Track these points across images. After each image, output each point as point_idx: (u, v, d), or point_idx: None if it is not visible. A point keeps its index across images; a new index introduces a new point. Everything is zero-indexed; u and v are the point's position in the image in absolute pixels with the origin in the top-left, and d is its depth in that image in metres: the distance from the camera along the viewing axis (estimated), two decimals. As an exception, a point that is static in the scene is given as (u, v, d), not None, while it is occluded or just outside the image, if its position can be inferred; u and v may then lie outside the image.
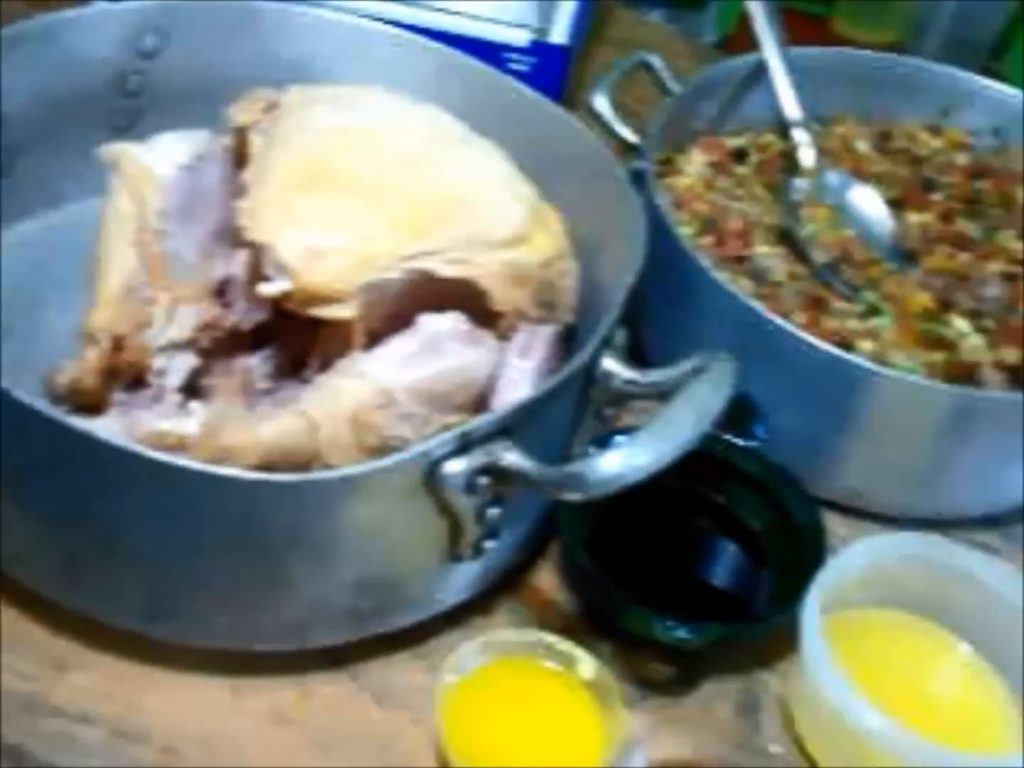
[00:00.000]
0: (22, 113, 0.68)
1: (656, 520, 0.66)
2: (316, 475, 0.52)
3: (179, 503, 0.51)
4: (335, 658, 0.59)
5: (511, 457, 0.53)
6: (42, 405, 0.50)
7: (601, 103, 0.76)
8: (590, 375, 0.58)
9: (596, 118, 0.76)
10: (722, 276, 0.70)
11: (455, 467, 0.52)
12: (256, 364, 0.65)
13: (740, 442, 0.66)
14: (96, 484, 0.51)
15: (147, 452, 0.49)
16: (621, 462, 0.50)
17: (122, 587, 0.55)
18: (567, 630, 0.61)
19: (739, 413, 0.66)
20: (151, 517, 0.52)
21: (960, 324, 0.71)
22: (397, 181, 0.62)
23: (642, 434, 0.51)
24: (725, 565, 0.66)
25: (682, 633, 0.58)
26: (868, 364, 0.65)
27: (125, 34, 0.70)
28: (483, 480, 0.53)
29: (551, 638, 0.59)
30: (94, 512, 0.52)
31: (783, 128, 0.80)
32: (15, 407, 0.49)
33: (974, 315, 0.71)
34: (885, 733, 0.55)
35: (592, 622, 0.63)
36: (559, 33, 0.85)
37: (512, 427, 0.54)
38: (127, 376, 0.61)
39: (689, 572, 0.65)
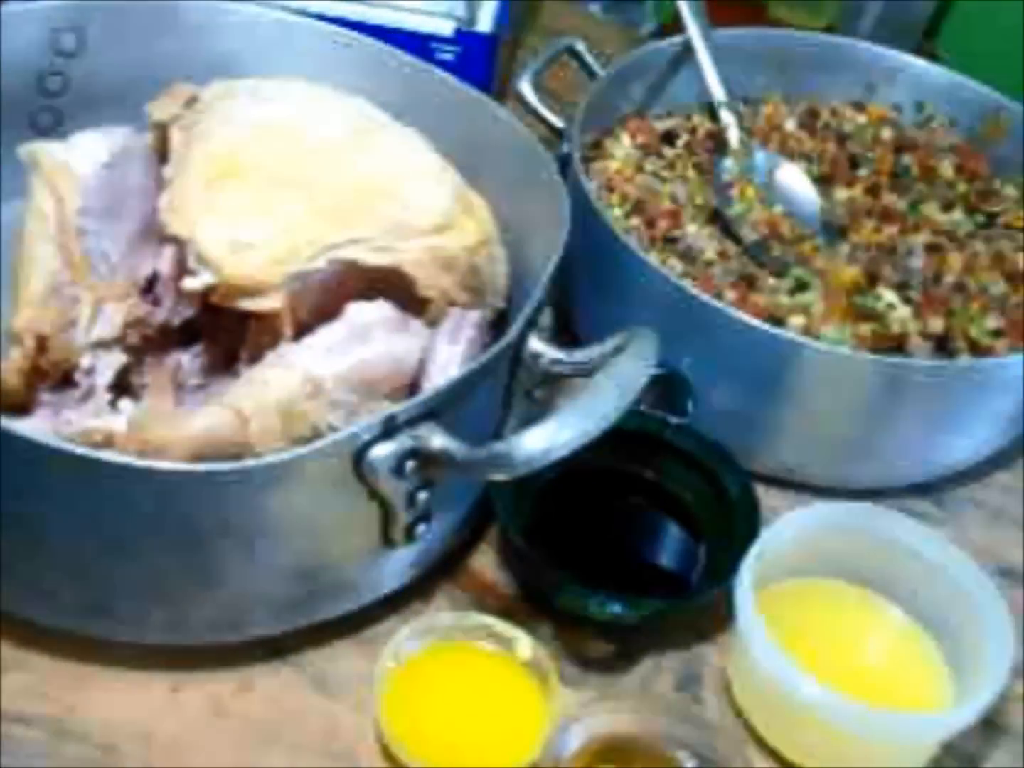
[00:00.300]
0: (-59, 116, 0.67)
1: (592, 500, 0.67)
2: (239, 464, 0.51)
3: (103, 498, 0.50)
4: (275, 648, 0.59)
5: (437, 440, 0.53)
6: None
7: (526, 89, 0.76)
8: (516, 356, 0.58)
9: (523, 104, 0.77)
10: (651, 256, 0.70)
11: (382, 451, 0.52)
12: (187, 360, 0.65)
13: (672, 419, 0.67)
14: (18, 482, 0.50)
15: (66, 447, 0.49)
16: (545, 439, 0.51)
17: (52, 586, 0.55)
18: (506, 612, 0.61)
19: (670, 390, 0.67)
20: (76, 514, 0.51)
21: (888, 296, 0.72)
22: (319, 171, 0.62)
23: (564, 411, 0.51)
24: (662, 542, 0.67)
25: (616, 608, 0.58)
26: (797, 338, 0.66)
27: (42, 34, 0.70)
28: (411, 464, 0.53)
29: (489, 620, 0.59)
30: (18, 511, 0.52)
31: (711, 109, 0.81)
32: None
33: (901, 287, 0.72)
34: (820, 700, 0.56)
35: (531, 603, 0.63)
36: (484, 22, 0.86)
37: (438, 410, 0.54)
38: (54, 376, 0.60)
39: (627, 550, 0.66)
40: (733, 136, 0.80)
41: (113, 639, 0.57)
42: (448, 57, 0.83)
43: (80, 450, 0.49)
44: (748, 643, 0.57)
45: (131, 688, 0.57)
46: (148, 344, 0.64)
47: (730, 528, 0.63)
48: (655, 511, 0.67)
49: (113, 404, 0.62)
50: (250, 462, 0.52)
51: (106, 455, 0.49)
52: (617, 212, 0.75)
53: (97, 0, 0.71)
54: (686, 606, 0.62)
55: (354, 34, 0.73)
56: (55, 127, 0.71)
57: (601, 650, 0.62)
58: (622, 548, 0.66)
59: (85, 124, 0.67)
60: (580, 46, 0.80)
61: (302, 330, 0.60)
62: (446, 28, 0.84)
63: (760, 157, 0.80)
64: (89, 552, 0.53)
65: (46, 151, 0.62)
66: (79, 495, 0.51)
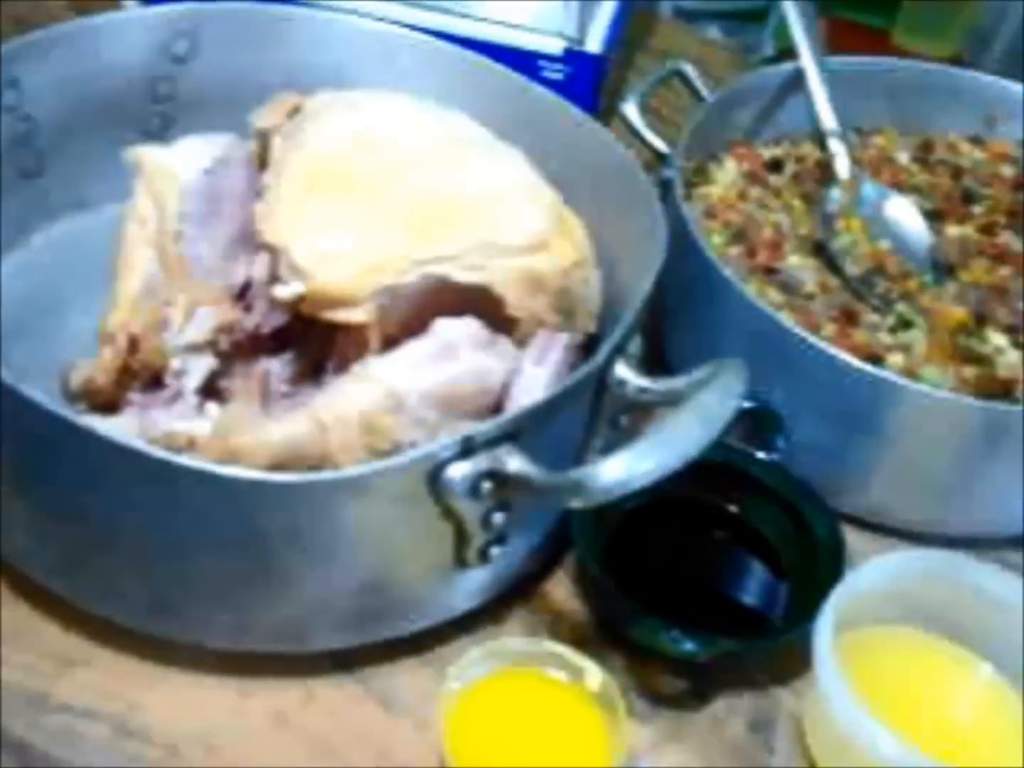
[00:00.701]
0: (52, 117, 0.69)
1: (674, 531, 0.65)
2: (315, 475, 0.51)
3: (178, 501, 0.51)
4: (341, 661, 0.59)
5: (515, 462, 0.52)
6: (42, 399, 0.50)
7: (631, 111, 0.75)
8: (602, 381, 0.57)
9: (628, 126, 0.76)
10: (749, 287, 0.69)
11: (458, 471, 0.52)
12: (275, 368, 0.65)
13: (761, 454, 0.65)
14: (96, 481, 0.51)
15: (147, 449, 0.49)
16: (624, 468, 0.49)
17: (123, 585, 0.55)
18: (579, 641, 0.60)
19: (760, 424, 0.65)
20: (151, 515, 0.52)
21: (997, 339, 0.69)
22: (415, 185, 0.61)
23: (646, 441, 0.50)
24: (743, 578, 0.65)
25: (689, 645, 0.57)
26: (896, 378, 0.64)
27: (156, 39, 0.71)
28: (487, 485, 0.52)
29: (559, 648, 0.58)
30: (95, 509, 0.53)
31: (820, 138, 0.79)
32: (18, 401, 0.50)
33: (1011, 330, 0.70)
34: (900, 757, 0.53)
35: (604, 633, 0.62)
36: (594, 42, 0.85)
37: (518, 432, 0.53)
38: (143, 377, 0.61)
39: (706, 585, 0.64)
40: (842, 166, 0.78)
41: (180, 641, 0.57)
42: (555, 76, 0.83)
43: (158, 453, 0.49)
44: (826, 691, 0.55)
45: (195, 691, 0.58)
46: (238, 350, 0.64)
47: (814, 569, 0.61)
48: (737, 547, 0.65)
49: (200, 407, 0.62)
50: (326, 474, 0.52)
51: (182, 460, 0.50)
52: (717, 239, 0.74)
53: (211, 6, 0.72)
54: (762, 647, 0.61)
55: (460, 49, 0.73)
56: (163, 131, 0.72)
57: (673, 686, 0.60)
58: (701, 582, 0.64)
59: (191, 129, 0.68)
60: (688, 69, 0.79)
61: (389, 343, 0.60)
62: (555, 47, 0.83)
63: (869, 189, 0.78)
64: (161, 553, 0.53)
65: (150, 155, 0.63)
66: (155, 496, 0.51)
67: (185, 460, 0.49)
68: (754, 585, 0.65)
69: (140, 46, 0.70)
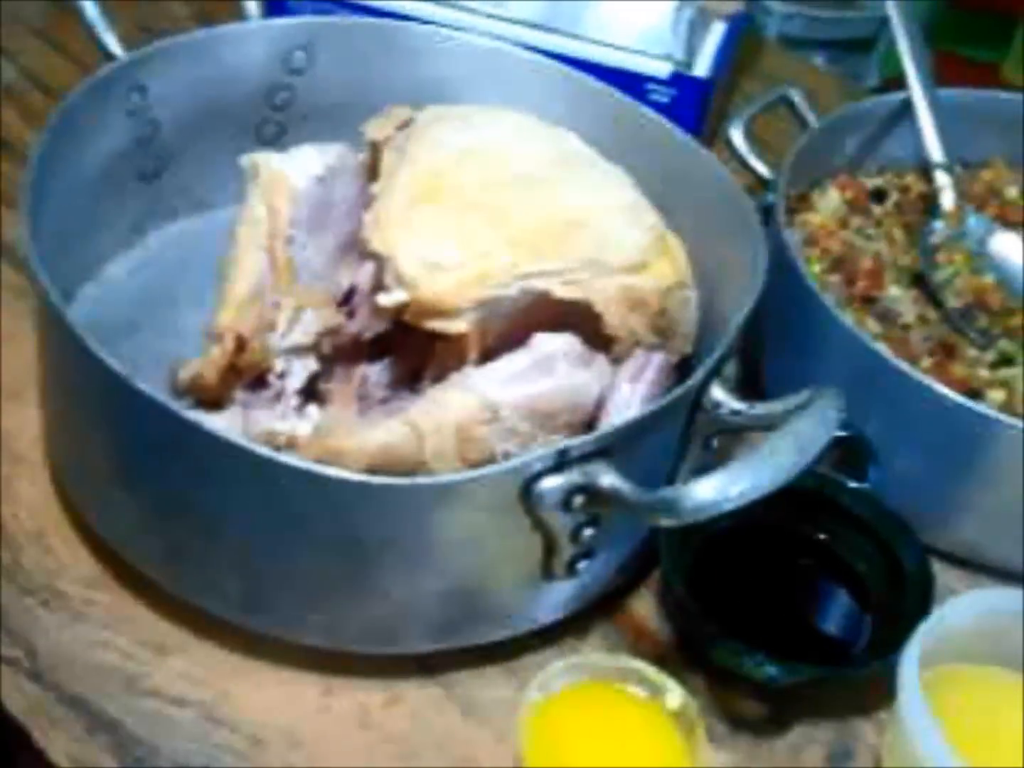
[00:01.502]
0: (175, 121, 0.71)
1: (761, 557, 0.65)
2: (412, 480, 0.52)
3: (279, 499, 0.52)
4: (426, 666, 0.60)
5: (608, 478, 0.53)
6: (155, 393, 0.52)
7: (737, 136, 0.75)
8: (697, 402, 0.58)
9: (731, 150, 0.76)
10: (847, 316, 0.69)
11: (551, 483, 0.52)
12: (373, 373, 0.67)
13: (851, 483, 0.65)
14: (202, 475, 0.53)
15: (251, 446, 0.51)
16: (717, 490, 0.50)
17: (221, 577, 0.57)
18: (660, 659, 0.60)
19: (851, 453, 0.65)
20: (252, 511, 0.53)
21: (1100, 380, 0.68)
22: (520, 200, 0.62)
23: (740, 463, 0.50)
24: (827, 608, 0.64)
25: (772, 671, 0.57)
26: (996, 414, 0.63)
27: (276, 51, 0.73)
28: (579, 499, 0.53)
29: (641, 665, 0.58)
30: (198, 503, 0.54)
31: (926, 170, 0.79)
32: (134, 396, 0.52)
33: (1115, 371, 0.68)
34: (980, 795, 0.53)
35: (686, 654, 0.62)
36: (702, 66, 0.85)
37: (612, 448, 0.54)
38: (249, 375, 0.63)
39: (790, 612, 0.64)
40: (947, 199, 0.77)
41: (272, 636, 0.58)
42: (662, 99, 0.83)
43: (261, 450, 0.51)
44: (908, 725, 0.55)
45: (283, 686, 0.59)
46: (339, 354, 0.66)
47: (901, 602, 0.61)
48: (823, 575, 0.65)
49: (300, 408, 0.64)
50: (422, 480, 0.53)
51: (287, 458, 0.51)
52: (816, 267, 0.74)
53: (329, 20, 0.74)
54: (845, 676, 0.60)
55: (569, 69, 0.74)
56: (277, 139, 0.74)
57: (752, 710, 0.61)
58: (784, 609, 0.64)
59: (304, 138, 0.70)
60: (795, 95, 0.79)
61: (487, 355, 0.61)
62: (663, 70, 0.84)
63: (974, 223, 0.77)
64: (258, 549, 0.55)
65: (265, 160, 0.65)
66: (256, 492, 0.52)
67: (289, 459, 0.51)
68: (838, 615, 0.64)
69: (260, 57, 0.72)
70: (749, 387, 0.69)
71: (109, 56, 0.68)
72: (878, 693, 0.60)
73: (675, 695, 0.57)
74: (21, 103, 0.87)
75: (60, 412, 0.62)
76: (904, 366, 0.64)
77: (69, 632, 0.60)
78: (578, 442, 0.53)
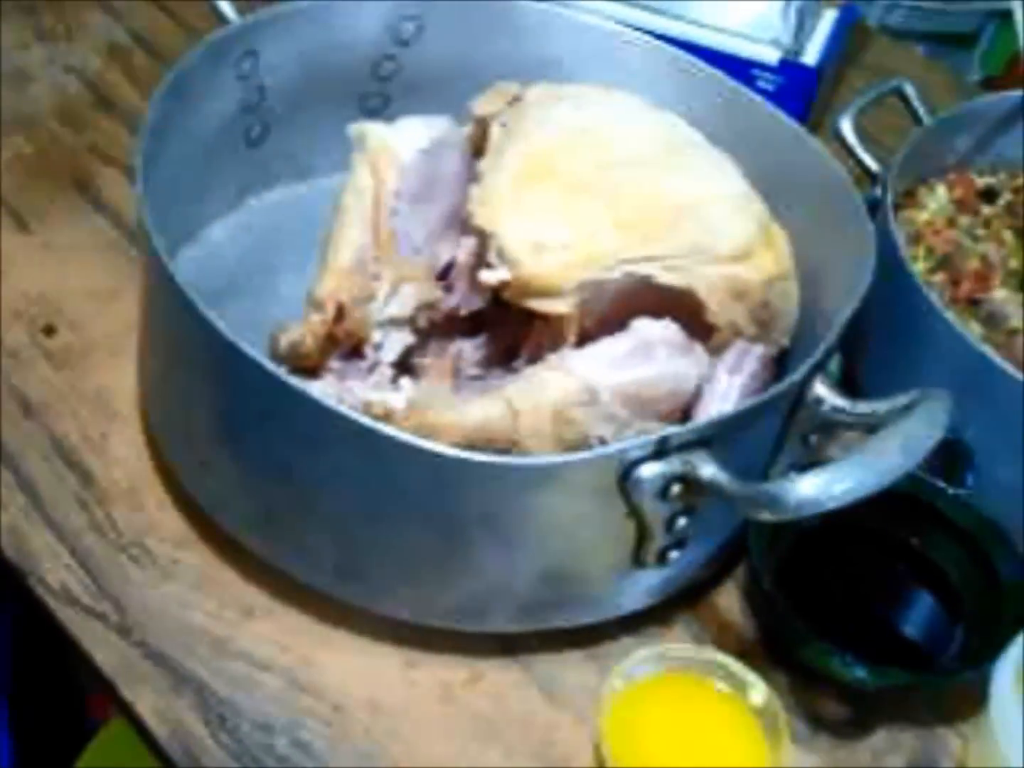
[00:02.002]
0: (282, 88, 0.71)
1: (851, 558, 0.64)
2: (514, 459, 0.52)
3: (379, 470, 0.52)
4: (508, 646, 0.60)
5: (708, 468, 0.52)
6: (261, 359, 0.52)
7: (847, 127, 0.74)
8: (799, 397, 0.57)
9: (840, 142, 0.75)
10: (953, 317, 0.67)
11: (650, 471, 0.52)
12: (468, 349, 0.67)
13: (949, 489, 0.64)
14: (303, 442, 0.53)
15: (356, 416, 0.51)
16: (820, 487, 0.49)
17: (315, 545, 0.57)
18: (743, 655, 0.59)
19: (951, 458, 0.63)
20: (351, 480, 0.53)
21: None
22: (628, 183, 0.62)
23: (845, 462, 0.49)
24: (917, 614, 0.63)
25: (860, 672, 0.56)
26: (1101, 425, 0.62)
27: (385, 21, 0.72)
28: (676, 488, 0.53)
29: (726, 659, 0.58)
30: (298, 469, 0.54)
31: (1039, 171, 0.77)
32: (239, 360, 0.52)
33: None
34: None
35: (770, 651, 0.61)
36: (811, 54, 0.84)
37: (712, 439, 0.53)
38: (346, 345, 0.63)
39: (878, 616, 0.63)
40: (1059, 202, 0.75)
41: (361, 606, 0.58)
42: (769, 86, 0.82)
43: (366, 420, 0.51)
44: (999, 737, 0.54)
45: (368, 656, 0.59)
46: (435, 328, 0.66)
47: (995, 612, 0.60)
48: (915, 581, 0.64)
49: (394, 380, 0.64)
50: (522, 459, 0.53)
51: (390, 430, 0.51)
52: (920, 266, 0.72)
53: (440, -6, 0.73)
54: (934, 683, 0.59)
55: (677, 51, 0.73)
56: (381, 110, 0.74)
57: (836, 713, 0.60)
58: (873, 613, 0.63)
59: (409, 110, 0.69)
60: (910, 89, 0.77)
61: (585, 338, 0.60)
62: (771, 56, 0.83)
63: (1087, 228, 0.75)
64: (354, 518, 0.55)
65: (373, 131, 0.65)
66: (356, 462, 0.53)
67: (392, 431, 0.51)
68: (928, 622, 0.63)
69: (370, 27, 0.72)
70: (846, 385, 0.67)
71: (223, 20, 0.68)
72: (964, 703, 0.59)
73: (759, 691, 0.57)
74: (126, 63, 0.88)
75: (161, 371, 0.62)
76: (1010, 369, 0.63)
77: (158, 590, 0.61)
78: (679, 431, 0.52)
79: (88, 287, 0.73)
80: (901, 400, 0.54)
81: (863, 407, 0.57)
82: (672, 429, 0.52)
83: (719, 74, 0.72)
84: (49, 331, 0.71)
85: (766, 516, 0.50)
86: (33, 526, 0.62)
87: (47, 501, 0.63)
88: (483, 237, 0.61)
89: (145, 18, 0.91)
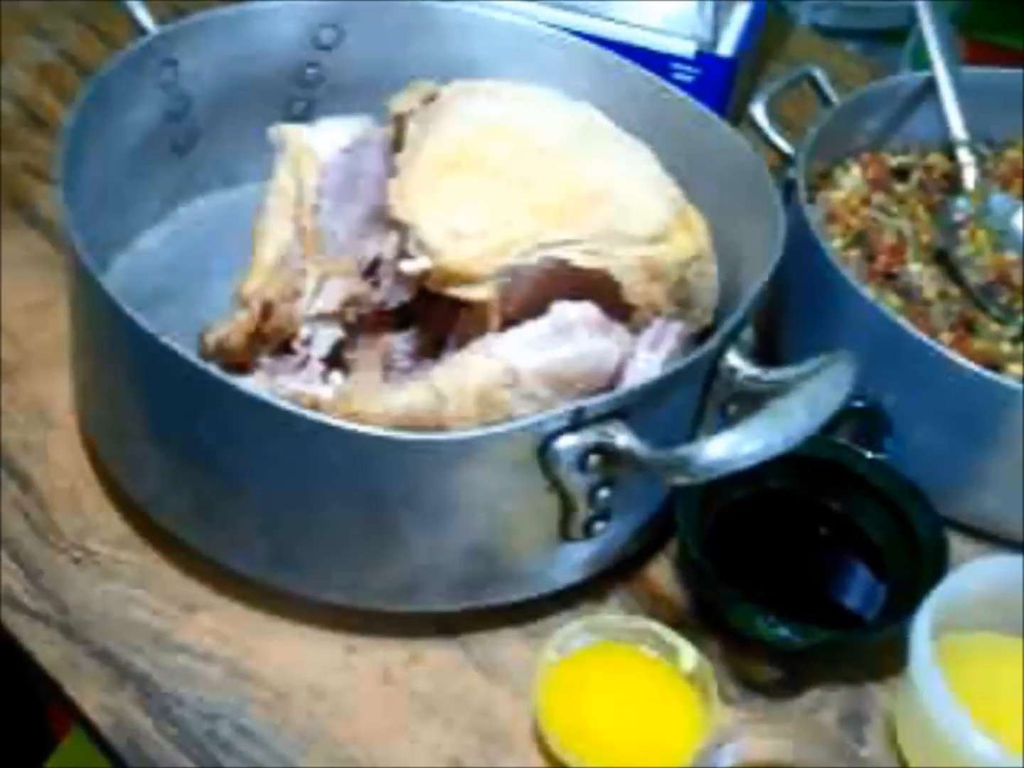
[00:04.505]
0: (206, 96, 0.72)
1: (777, 526, 0.66)
2: (434, 436, 0.54)
3: (304, 455, 0.53)
4: (446, 627, 0.61)
5: (623, 438, 0.54)
6: (186, 352, 0.53)
7: (759, 112, 0.76)
8: (713, 367, 0.59)
9: (755, 127, 0.77)
10: (867, 290, 0.69)
11: (567, 442, 0.54)
12: (398, 343, 0.68)
13: (868, 454, 0.66)
14: (229, 432, 0.54)
15: (279, 402, 0.52)
16: (729, 447, 0.51)
17: (246, 535, 0.58)
18: (677, 625, 0.61)
19: (869, 425, 0.65)
20: (277, 467, 0.55)
21: (1121, 353, 0.68)
22: (543, 171, 0.63)
23: (752, 422, 0.51)
24: (843, 576, 0.65)
25: (785, 632, 0.57)
26: (1016, 385, 0.64)
27: (306, 27, 0.74)
28: (594, 459, 0.54)
29: (656, 627, 0.59)
30: (225, 460, 0.56)
31: (949, 149, 0.79)
32: (161, 353, 0.53)
33: None
34: (993, 758, 0.54)
35: (703, 620, 0.63)
36: (725, 46, 0.86)
37: (628, 410, 0.55)
38: (274, 341, 0.64)
39: (806, 580, 0.65)
40: (969, 176, 0.77)
41: (295, 592, 0.60)
42: (686, 79, 0.84)
43: (288, 406, 0.52)
44: (920, 689, 0.56)
45: (308, 643, 0.60)
46: (363, 323, 0.67)
47: (916, 571, 0.62)
48: (840, 545, 0.66)
49: (324, 375, 0.65)
50: (440, 435, 0.54)
51: (311, 414, 0.52)
52: (837, 243, 0.74)
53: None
54: (858, 640, 0.61)
55: (593, 46, 0.75)
56: (305, 114, 0.75)
57: (767, 675, 0.61)
58: (801, 577, 0.65)
59: (332, 114, 0.71)
60: (820, 74, 0.79)
61: (508, 323, 0.62)
62: (687, 49, 0.85)
63: (997, 201, 0.77)
64: (282, 505, 0.56)
65: (293, 132, 0.67)
66: (280, 449, 0.54)
67: (313, 414, 0.52)
68: (854, 584, 0.65)
69: (290, 33, 0.74)
70: (765, 359, 0.69)
71: (142, 31, 0.70)
72: (892, 660, 0.61)
73: (689, 656, 0.58)
74: (57, 82, 0.89)
75: (92, 375, 0.63)
76: (924, 338, 0.65)
77: (99, 589, 0.62)
78: (595, 402, 0.54)
79: (23, 300, 0.74)
80: (810, 366, 0.56)
81: (775, 374, 0.58)
82: (587, 401, 0.54)
83: (631, 64, 0.74)
84: (-15, 344, 0.72)
85: (681, 479, 0.52)
86: (-27, 533, 0.63)
87: (-13, 508, 0.64)
88: (403, 229, 0.62)
89: (74, 39, 0.93)
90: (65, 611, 0.61)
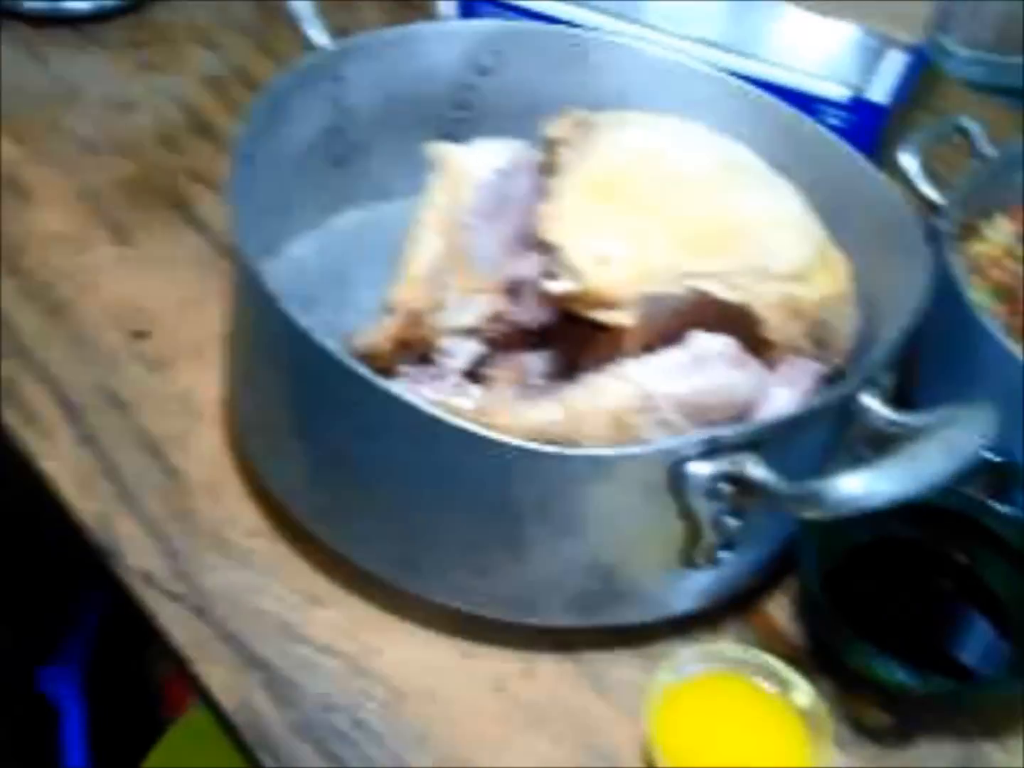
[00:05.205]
0: (366, 112, 0.75)
1: (899, 573, 0.66)
2: (570, 450, 0.55)
3: (441, 459, 0.55)
4: (561, 642, 0.62)
5: (756, 469, 0.54)
6: (335, 348, 0.55)
7: (907, 159, 0.76)
8: (848, 407, 0.59)
9: (901, 175, 0.77)
10: (1010, 342, 0.69)
11: (700, 469, 0.54)
12: (534, 362, 0.69)
13: (999, 506, 0.65)
14: (370, 432, 0.56)
15: (422, 404, 0.54)
16: (862, 485, 0.51)
17: (377, 534, 0.60)
18: (791, 661, 0.61)
19: (1003, 479, 0.65)
20: (413, 469, 0.56)
21: None
22: (690, 203, 0.65)
23: (887, 462, 0.51)
24: (964, 630, 0.64)
25: (904, 676, 0.57)
26: None
27: (467, 51, 0.76)
28: (726, 487, 0.55)
29: (772, 660, 0.59)
30: (363, 459, 0.58)
31: (1103, 208, 0.78)
32: (315, 351, 0.55)
33: None
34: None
35: (817, 658, 0.63)
36: (878, 93, 0.86)
37: (762, 442, 0.55)
38: (417, 350, 0.66)
39: (925, 630, 0.64)
40: (1119, 237, 0.76)
41: (417, 593, 0.61)
42: (836, 123, 0.84)
43: (430, 409, 0.54)
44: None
45: (425, 644, 0.62)
46: (502, 340, 0.68)
47: (1043, 630, 0.61)
48: (963, 597, 0.65)
49: (462, 388, 0.67)
50: (576, 450, 0.55)
51: (453, 419, 0.54)
52: (980, 295, 0.74)
53: (519, 25, 0.77)
54: (978, 692, 0.60)
55: (743, 84, 0.75)
56: (459, 135, 0.77)
57: (878, 720, 0.61)
58: (918, 627, 0.64)
59: (485, 136, 0.73)
60: (972, 125, 0.79)
61: (645, 349, 0.63)
62: (840, 94, 0.85)
63: None
64: (415, 507, 0.58)
65: (450, 152, 0.69)
66: (418, 452, 0.56)
67: (456, 420, 0.54)
68: (975, 638, 0.64)
69: (452, 56, 0.76)
70: (902, 407, 0.69)
71: (312, 47, 0.73)
72: (1009, 718, 0.60)
73: (804, 693, 0.59)
74: (224, 93, 0.93)
75: (245, 372, 0.66)
76: (1064, 394, 0.64)
77: (232, 576, 0.64)
78: (730, 431, 0.55)
79: (178, 296, 0.77)
80: (947, 412, 0.56)
81: (911, 418, 0.58)
82: (723, 430, 0.55)
83: (782, 104, 0.74)
84: (141, 335, 0.75)
85: (811, 513, 0.52)
86: (120, 514, 0.66)
87: (133, 491, 0.67)
88: (550, 251, 0.64)
89: (245, 53, 0.97)
90: (199, 594, 0.63)
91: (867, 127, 0.85)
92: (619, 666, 0.62)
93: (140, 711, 1.04)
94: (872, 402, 0.59)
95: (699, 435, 0.54)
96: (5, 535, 0.96)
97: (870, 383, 0.59)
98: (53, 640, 1.02)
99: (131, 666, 1.00)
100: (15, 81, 0.90)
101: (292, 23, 0.75)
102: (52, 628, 1.02)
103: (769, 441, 0.55)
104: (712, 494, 0.55)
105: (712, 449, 0.54)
